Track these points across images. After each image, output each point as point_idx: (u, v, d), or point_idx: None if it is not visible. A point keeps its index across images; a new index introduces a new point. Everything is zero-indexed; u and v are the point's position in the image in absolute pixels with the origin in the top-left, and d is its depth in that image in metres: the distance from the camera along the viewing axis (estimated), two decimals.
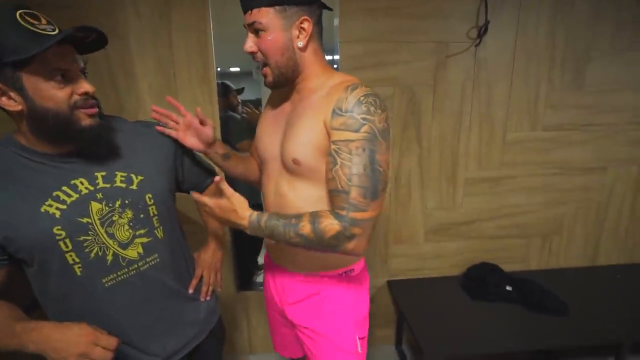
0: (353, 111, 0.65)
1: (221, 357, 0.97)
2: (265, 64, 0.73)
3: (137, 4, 1.27)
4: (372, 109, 0.65)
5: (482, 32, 1.34)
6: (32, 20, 0.57)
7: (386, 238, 1.59)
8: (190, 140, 0.86)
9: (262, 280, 2.07)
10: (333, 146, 0.67)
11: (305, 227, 0.68)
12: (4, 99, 0.58)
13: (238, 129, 1.79)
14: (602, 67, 1.45)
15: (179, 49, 1.32)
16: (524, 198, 1.58)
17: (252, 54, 0.72)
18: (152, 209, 0.75)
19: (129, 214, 0.71)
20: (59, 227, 0.63)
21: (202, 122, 0.84)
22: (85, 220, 0.66)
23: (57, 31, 0.60)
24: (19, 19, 0.56)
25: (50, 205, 0.63)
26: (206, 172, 0.95)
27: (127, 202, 0.71)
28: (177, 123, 0.85)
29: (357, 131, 0.65)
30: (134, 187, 0.72)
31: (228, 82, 1.84)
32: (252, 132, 1.90)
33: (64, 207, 0.64)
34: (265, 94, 2.30)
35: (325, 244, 0.68)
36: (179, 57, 1.33)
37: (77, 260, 0.66)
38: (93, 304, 0.70)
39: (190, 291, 0.85)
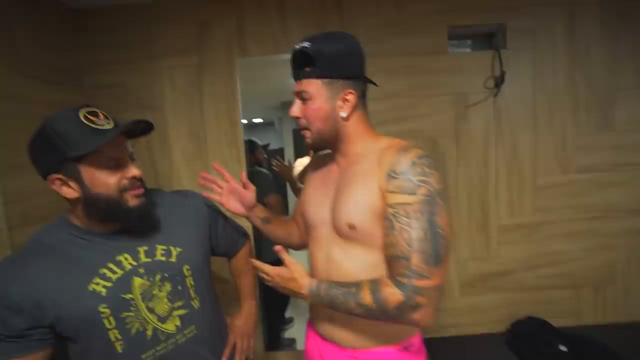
0: (408, 173, 0.64)
1: None
2: (307, 128, 0.76)
3: (173, 78, 1.42)
4: (426, 170, 0.65)
5: (499, 82, 1.37)
6: (92, 118, 0.64)
7: None
8: (234, 205, 0.90)
9: (290, 337, 2.00)
10: (390, 210, 0.65)
11: (366, 297, 0.65)
12: (64, 188, 0.64)
13: (265, 183, 1.85)
14: (629, 105, 1.43)
15: (209, 115, 1.43)
16: (565, 245, 1.48)
17: (297, 118, 0.76)
18: (190, 280, 0.76)
19: (168, 286, 0.73)
20: (105, 305, 0.65)
21: (244, 186, 0.89)
22: (128, 296, 0.68)
23: (112, 124, 0.67)
24: (82, 118, 0.63)
25: (97, 284, 0.65)
26: (238, 235, 0.98)
27: (166, 275, 0.73)
28: (221, 188, 0.90)
29: (413, 194, 0.64)
30: (172, 259, 0.75)
31: (254, 139, 1.95)
32: (279, 185, 1.95)
33: (110, 284, 0.66)
34: (289, 144, 2.40)
35: (389, 315, 0.64)
36: (209, 122, 1.43)
37: (119, 337, 0.67)
38: None
39: None
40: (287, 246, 0.99)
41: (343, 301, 0.67)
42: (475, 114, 1.42)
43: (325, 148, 0.80)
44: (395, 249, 0.64)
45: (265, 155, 2.00)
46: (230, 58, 1.40)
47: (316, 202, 0.82)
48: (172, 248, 0.75)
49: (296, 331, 2.02)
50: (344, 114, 0.73)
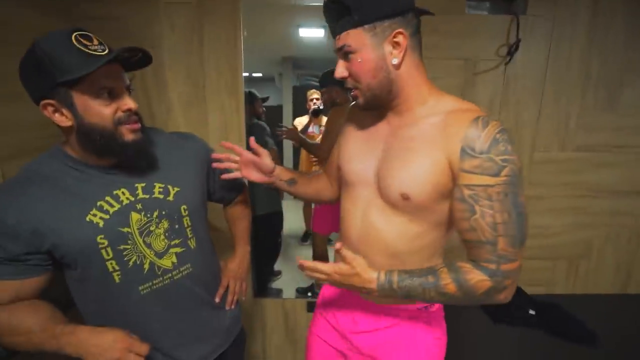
0: (490, 152, 0.57)
1: None
2: (355, 87, 0.67)
3: (172, 17, 1.32)
4: (509, 147, 0.57)
5: (513, 49, 1.32)
6: (85, 42, 0.61)
7: None
8: (254, 175, 0.86)
9: (277, 287, 2.09)
10: (467, 191, 0.60)
11: (449, 286, 0.62)
12: (57, 115, 0.62)
13: (263, 137, 1.84)
14: (637, 88, 1.41)
15: (209, 59, 1.36)
16: (550, 219, 1.53)
17: (343, 79, 0.68)
18: (187, 220, 0.77)
19: (165, 224, 0.74)
20: (102, 236, 0.66)
21: (256, 153, 0.85)
22: (125, 229, 0.69)
23: (107, 50, 0.63)
24: (74, 41, 0.60)
25: (95, 215, 0.66)
26: (235, 183, 0.98)
27: (163, 212, 0.74)
28: (237, 163, 0.87)
29: (497, 175, 0.57)
30: (170, 198, 0.75)
31: (254, 91, 1.89)
32: (276, 139, 1.93)
33: (107, 216, 0.67)
34: (288, 101, 2.34)
35: (476, 300, 0.63)
36: (208, 67, 1.37)
37: (116, 268, 0.69)
38: (128, 310, 0.72)
39: (217, 300, 0.87)
40: (318, 202, 0.95)
41: (421, 292, 0.63)
42: (483, 82, 1.39)
43: (379, 107, 0.70)
44: (477, 234, 0.60)
45: (264, 109, 1.95)
46: None
47: (358, 158, 0.75)
48: (170, 187, 0.75)
49: (282, 282, 2.11)
50: (395, 61, 0.63)
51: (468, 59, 1.36)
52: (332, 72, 0.70)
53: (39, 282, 0.67)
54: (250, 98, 1.60)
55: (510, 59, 1.34)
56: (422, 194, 0.64)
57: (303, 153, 2.19)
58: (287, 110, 2.22)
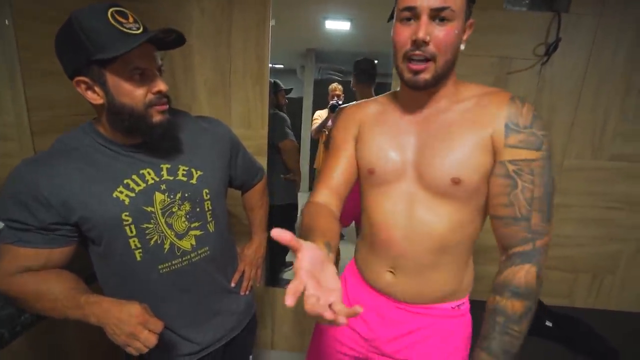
0: (533, 127, 0.59)
1: (252, 349, 0.99)
2: (430, 59, 0.59)
3: (203, 1, 1.33)
4: (545, 123, 0.60)
5: (551, 49, 1.26)
6: (120, 19, 0.61)
7: None
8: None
9: (288, 278, 2.11)
10: (512, 167, 0.59)
11: (514, 305, 0.60)
12: (89, 92, 0.63)
13: (282, 128, 1.83)
14: None
15: (236, 46, 1.36)
16: (576, 229, 1.47)
17: (426, 44, 0.57)
18: (208, 203, 0.78)
19: (187, 206, 0.75)
20: (127, 214, 0.67)
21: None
22: (149, 209, 0.70)
23: (141, 29, 0.63)
24: (109, 18, 0.59)
25: (121, 192, 0.67)
26: (255, 169, 0.98)
27: (186, 195, 0.74)
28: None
29: (538, 149, 0.58)
30: (193, 181, 0.76)
31: (279, 81, 1.88)
32: (295, 130, 1.92)
33: (133, 194, 0.68)
34: (308, 93, 2.32)
35: (536, 294, 0.61)
36: (235, 53, 1.37)
37: (138, 245, 0.70)
38: (147, 288, 0.74)
39: (232, 285, 0.88)
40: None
41: (508, 339, 0.60)
42: (516, 82, 1.33)
43: (432, 87, 0.63)
44: (514, 210, 0.60)
45: (286, 100, 1.95)
46: None
47: (391, 155, 0.69)
48: (193, 170, 0.76)
49: (293, 273, 2.13)
50: (462, 47, 0.61)
51: (503, 57, 1.31)
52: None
53: (66, 253, 0.69)
54: (274, 88, 1.60)
55: (547, 59, 1.28)
56: (472, 176, 0.62)
57: (321, 147, 2.18)
58: (307, 103, 2.21)
